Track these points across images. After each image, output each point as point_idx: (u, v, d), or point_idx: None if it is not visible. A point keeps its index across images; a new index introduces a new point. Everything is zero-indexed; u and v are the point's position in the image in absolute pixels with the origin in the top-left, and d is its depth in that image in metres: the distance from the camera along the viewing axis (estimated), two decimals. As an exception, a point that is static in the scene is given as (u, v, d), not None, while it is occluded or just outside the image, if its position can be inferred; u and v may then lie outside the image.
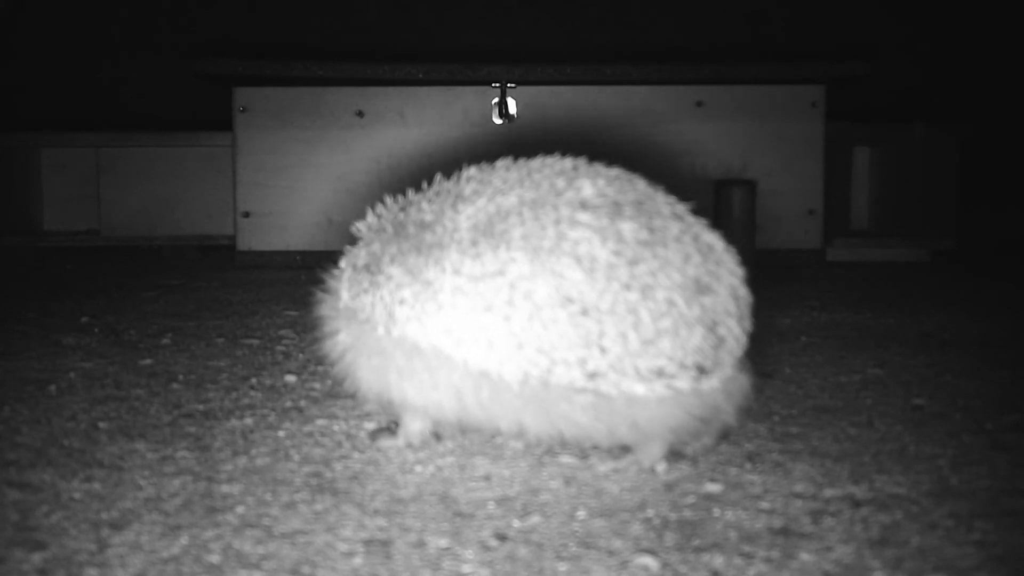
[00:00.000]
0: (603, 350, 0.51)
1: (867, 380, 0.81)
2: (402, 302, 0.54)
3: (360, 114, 1.70)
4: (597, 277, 0.51)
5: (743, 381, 0.56)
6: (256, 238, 1.71)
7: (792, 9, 2.16)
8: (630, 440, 0.56)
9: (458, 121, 1.70)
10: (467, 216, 0.54)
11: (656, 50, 2.14)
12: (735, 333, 0.54)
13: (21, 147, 1.90)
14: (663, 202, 0.55)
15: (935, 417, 0.70)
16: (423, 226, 0.56)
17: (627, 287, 0.51)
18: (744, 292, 0.55)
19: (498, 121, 1.69)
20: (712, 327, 0.53)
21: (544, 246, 0.52)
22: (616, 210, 0.53)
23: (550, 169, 0.56)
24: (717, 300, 0.53)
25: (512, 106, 1.69)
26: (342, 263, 0.61)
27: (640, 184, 0.56)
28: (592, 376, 0.51)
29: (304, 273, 1.58)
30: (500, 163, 0.58)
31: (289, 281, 1.47)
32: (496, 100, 1.69)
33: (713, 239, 0.55)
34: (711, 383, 0.53)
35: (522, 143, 1.59)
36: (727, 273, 0.54)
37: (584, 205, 0.53)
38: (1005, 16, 2.12)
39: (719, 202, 1.57)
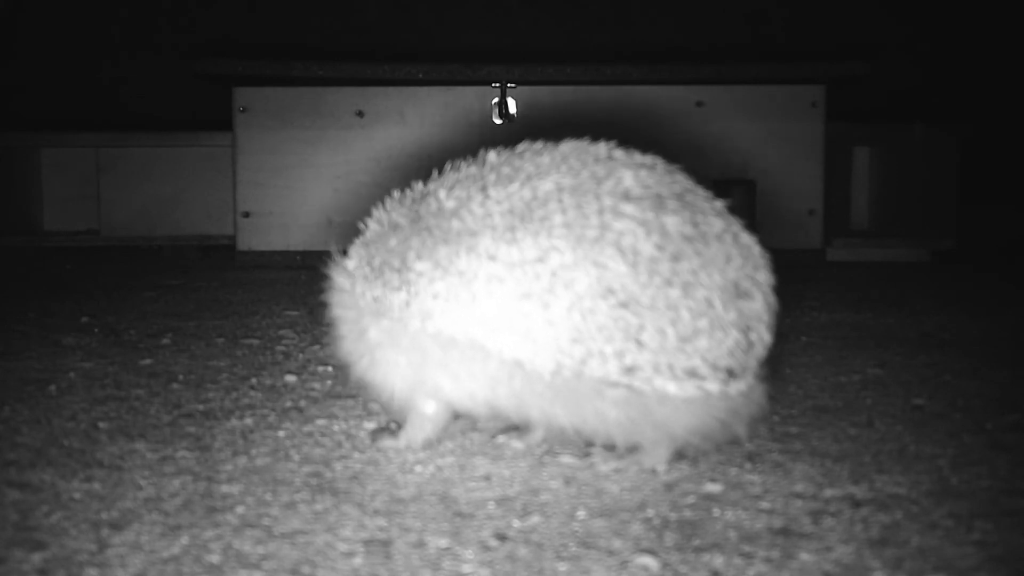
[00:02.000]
0: (640, 345, 0.50)
1: (867, 380, 0.81)
2: (435, 296, 0.54)
3: (360, 114, 1.70)
4: (640, 270, 0.50)
5: (761, 389, 0.56)
6: (256, 238, 1.71)
7: (792, 9, 2.16)
8: (650, 438, 0.55)
9: (458, 121, 1.70)
10: (498, 201, 0.53)
11: (656, 50, 2.14)
12: (764, 340, 0.54)
13: (21, 147, 1.90)
14: (703, 196, 0.54)
15: (935, 417, 0.70)
16: (447, 215, 0.54)
17: (669, 283, 0.50)
18: (773, 299, 0.55)
19: (498, 121, 1.69)
20: (746, 331, 0.52)
21: (588, 235, 0.51)
22: (660, 203, 0.52)
23: (585, 154, 0.54)
24: (753, 305, 0.52)
25: (512, 106, 1.69)
26: (352, 261, 0.60)
27: (679, 176, 0.55)
28: (628, 371, 0.51)
29: (304, 273, 1.58)
30: (522, 147, 0.56)
31: (289, 281, 1.47)
32: (496, 100, 1.69)
33: (751, 241, 0.54)
34: (739, 387, 0.53)
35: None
36: (763, 278, 0.54)
37: (628, 196, 0.52)
38: (1005, 16, 2.12)
39: (719, 202, 1.56)
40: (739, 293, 0.52)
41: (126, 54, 2.16)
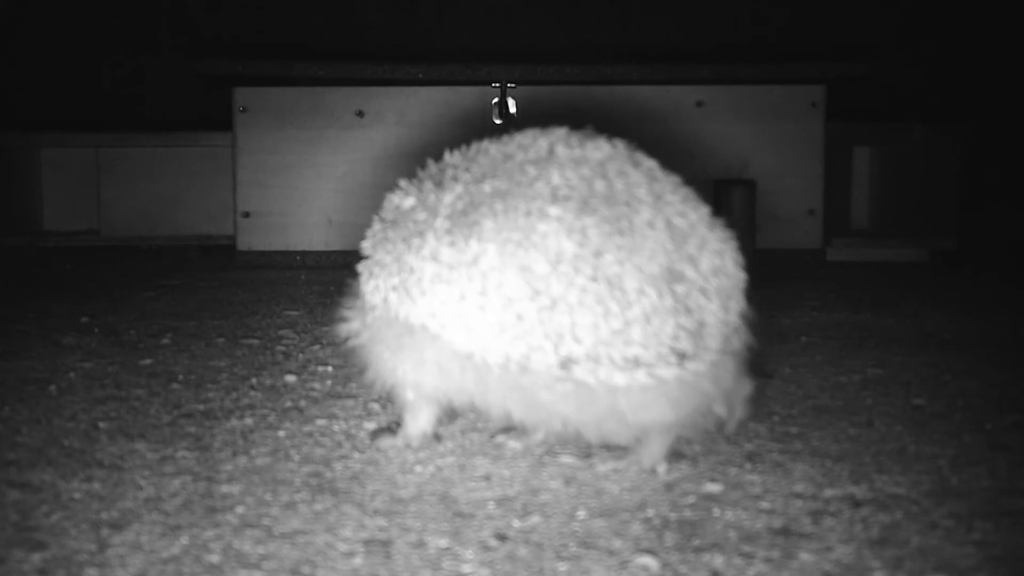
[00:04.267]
0: (576, 339, 0.51)
1: (867, 380, 0.81)
2: (394, 288, 0.56)
3: (360, 114, 1.70)
4: (563, 269, 0.51)
5: (730, 364, 0.55)
6: (256, 238, 1.71)
7: (792, 9, 2.16)
8: (622, 434, 0.55)
9: (458, 121, 1.70)
10: (444, 203, 0.56)
11: (656, 50, 2.14)
12: (720, 317, 0.53)
13: (21, 147, 1.90)
14: (640, 183, 0.54)
15: (935, 417, 0.70)
16: (405, 213, 0.58)
17: (594, 279, 0.51)
18: (732, 269, 0.55)
19: (498, 121, 1.69)
20: (689, 313, 0.52)
21: (513, 238, 0.52)
22: (584, 203, 0.52)
23: (523, 155, 0.56)
24: (692, 285, 0.52)
25: (512, 106, 1.69)
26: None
27: (614, 166, 0.55)
28: (566, 364, 0.52)
29: (304, 273, 1.58)
30: (484, 144, 0.58)
31: (289, 281, 1.47)
32: (496, 100, 1.69)
33: (696, 217, 0.54)
34: (696, 368, 0.53)
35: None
36: (709, 254, 0.54)
37: (554, 197, 0.53)
38: (1005, 16, 2.12)
39: (719, 202, 1.57)
40: (673, 276, 0.52)
41: (126, 54, 2.16)
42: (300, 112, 1.70)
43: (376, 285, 0.57)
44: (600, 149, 0.56)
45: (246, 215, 1.70)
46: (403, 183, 0.60)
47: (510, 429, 0.64)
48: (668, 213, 0.54)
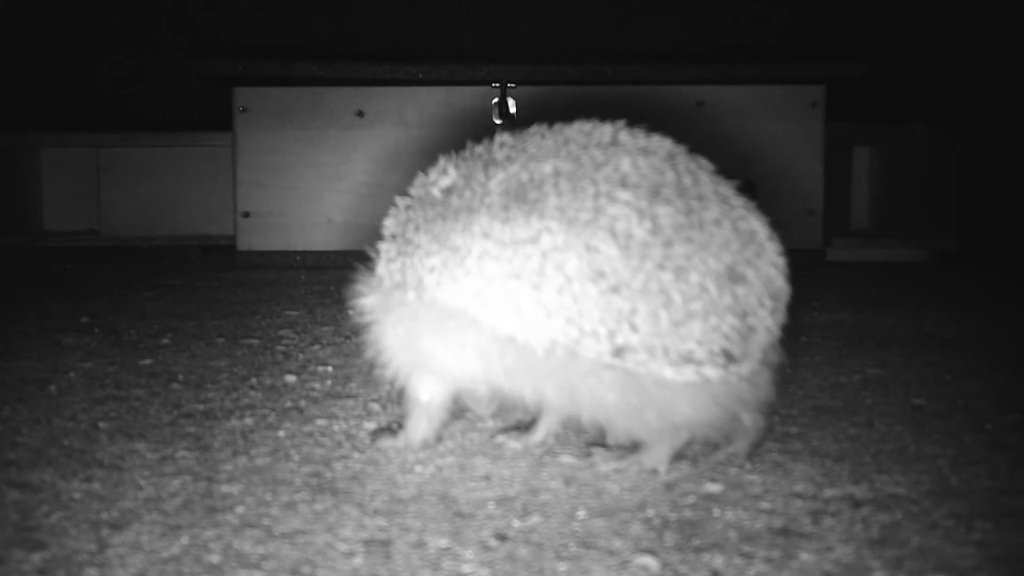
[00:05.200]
0: (633, 328, 0.50)
1: (867, 380, 0.81)
2: (431, 269, 0.54)
3: (360, 114, 1.70)
4: (632, 254, 0.50)
5: (766, 375, 0.55)
6: (256, 238, 1.71)
7: (792, 9, 2.16)
8: (655, 427, 0.54)
9: (458, 121, 1.70)
10: (497, 181, 0.54)
11: (656, 50, 2.14)
12: (767, 325, 0.53)
13: (21, 147, 1.90)
14: (707, 181, 0.54)
15: (935, 417, 0.70)
16: (449, 191, 0.55)
17: (661, 267, 0.50)
18: (782, 284, 0.54)
19: (498, 121, 1.69)
20: (743, 316, 0.52)
21: (581, 218, 0.51)
22: (655, 191, 0.52)
23: (585, 139, 0.55)
24: (751, 290, 0.52)
25: (512, 106, 1.69)
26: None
27: (682, 161, 0.54)
28: (620, 352, 0.51)
29: (304, 273, 1.58)
30: (534, 129, 0.57)
31: (289, 281, 1.47)
32: (496, 100, 1.69)
33: (757, 226, 0.54)
34: (740, 372, 0.53)
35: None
36: (766, 264, 0.53)
37: (624, 183, 0.52)
38: (1005, 16, 2.12)
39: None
40: (734, 277, 0.52)
41: (126, 54, 2.16)
42: (300, 112, 1.70)
43: (403, 265, 0.56)
44: (664, 143, 0.55)
45: (246, 215, 1.70)
46: (441, 161, 0.58)
47: (510, 429, 0.63)
48: (733, 216, 0.53)
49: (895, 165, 1.86)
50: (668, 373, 0.51)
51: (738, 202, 0.54)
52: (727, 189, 0.55)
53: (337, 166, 1.70)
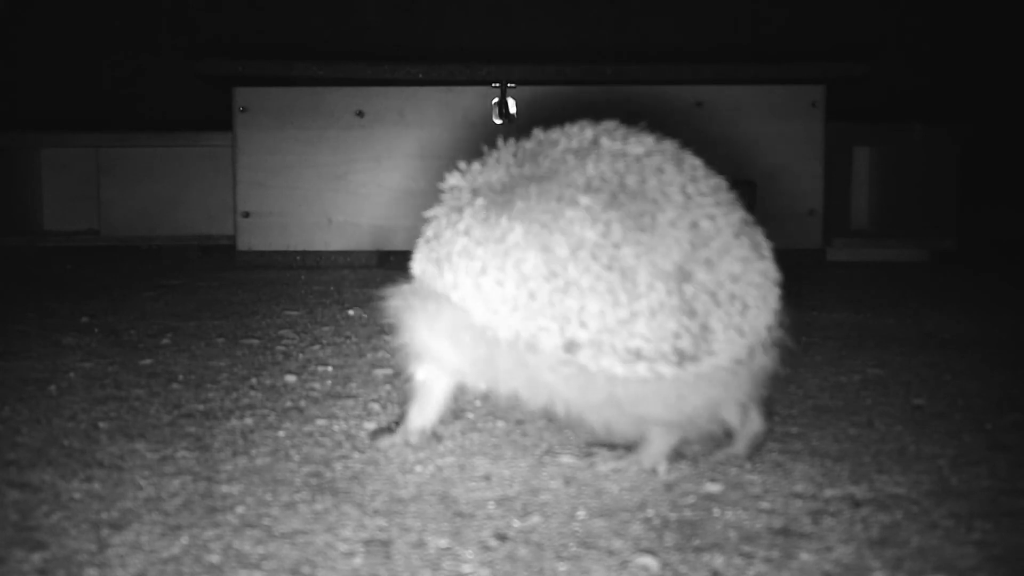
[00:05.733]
0: (583, 324, 0.52)
1: (867, 380, 0.81)
2: (432, 261, 0.58)
3: (360, 114, 1.70)
4: (581, 256, 0.53)
5: (743, 375, 0.55)
6: (256, 238, 1.71)
7: (792, 9, 2.16)
8: (622, 424, 0.56)
9: (458, 121, 1.70)
10: (487, 184, 0.58)
11: (656, 50, 2.14)
12: (729, 323, 0.53)
13: (21, 147, 1.90)
14: (674, 181, 0.55)
15: (935, 417, 0.70)
16: (453, 190, 0.60)
17: (608, 268, 0.52)
18: (759, 281, 0.55)
19: (498, 121, 1.69)
20: (693, 314, 0.52)
21: (541, 220, 0.54)
22: (614, 195, 0.54)
23: (567, 143, 0.57)
24: (701, 288, 0.53)
25: (512, 106, 1.69)
26: None
27: (654, 161, 0.56)
28: (571, 347, 0.53)
29: (304, 273, 1.58)
30: (536, 131, 0.60)
31: (289, 281, 1.47)
32: (496, 100, 1.69)
33: (724, 225, 0.54)
34: (697, 370, 0.53)
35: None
36: (731, 261, 0.54)
37: (587, 187, 0.54)
38: (1005, 16, 2.12)
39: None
40: (684, 277, 0.52)
41: (126, 54, 2.16)
42: (300, 112, 1.70)
43: (418, 256, 0.60)
44: (642, 144, 0.57)
45: (246, 215, 1.70)
46: (460, 163, 0.61)
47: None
48: (697, 215, 0.54)
49: (895, 165, 1.86)
50: (619, 370, 0.53)
51: (708, 200, 0.55)
52: (702, 187, 0.55)
53: (337, 166, 1.70)
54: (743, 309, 0.54)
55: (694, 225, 0.53)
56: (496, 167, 0.58)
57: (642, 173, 0.55)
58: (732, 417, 0.58)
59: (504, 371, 0.56)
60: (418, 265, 0.59)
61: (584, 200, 0.53)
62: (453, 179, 0.60)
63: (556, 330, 0.53)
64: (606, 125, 0.58)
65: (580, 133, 0.58)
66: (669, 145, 0.57)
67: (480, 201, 0.56)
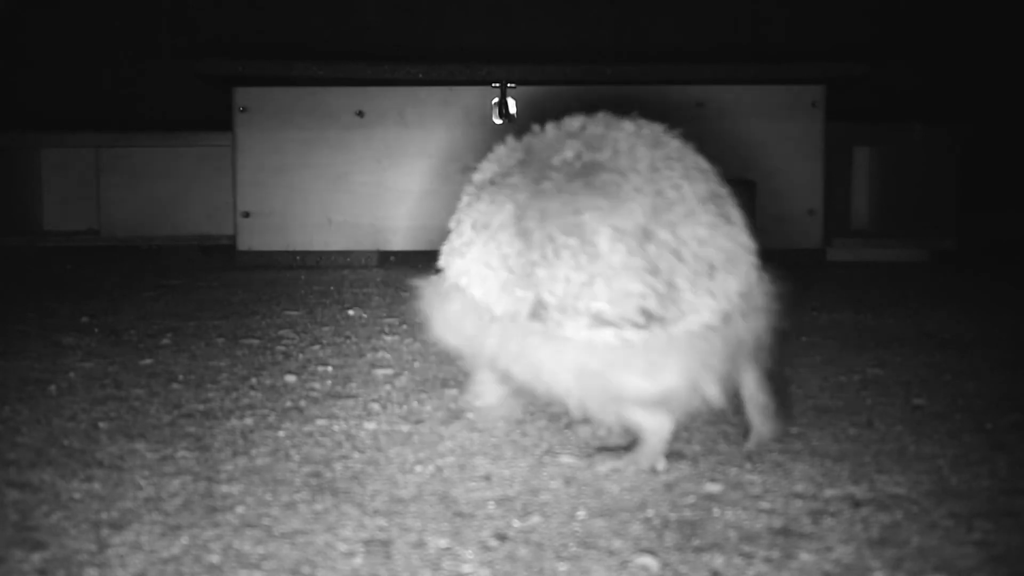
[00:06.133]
0: (551, 292, 0.55)
1: (867, 380, 0.81)
2: (450, 252, 0.62)
3: (360, 114, 1.70)
4: (547, 228, 0.55)
5: (716, 342, 0.55)
6: (256, 238, 1.71)
7: (792, 10, 2.16)
8: (598, 402, 0.56)
9: (458, 121, 1.70)
10: (487, 178, 0.62)
11: (656, 50, 2.14)
12: (697, 284, 0.54)
13: (21, 147, 1.90)
14: (644, 157, 0.57)
15: (935, 417, 0.70)
16: (466, 189, 0.64)
17: (569, 234, 0.54)
18: (728, 246, 0.55)
19: (498, 121, 1.69)
20: (657, 272, 0.53)
21: (518, 201, 0.57)
22: (584, 170, 0.56)
23: (556, 131, 0.60)
24: (664, 246, 0.53)
25: (512, 106, 1.69)
26: None
27: (627, 142, 0.58)
28: (538, 313, 0.55)
29: (304, 273, 1.58)
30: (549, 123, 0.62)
31: (289, 281, 1.47)
32: (496, 100, 1.69)
33: (690, 194, 0.55)
34: (668, 334, 0.53)
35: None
36: (694, 225, 0.54)
37: (562, 166, 0.57)
38: (1005, 16, 2.12)
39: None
40: (646, 236, 0.53)
41: (126, 54, 2.16)
42: (300, 112, 1.70)
43: (443, 251, 0.63)
44: (623, 130, 0.59)
45: (246, 215, 1.70)
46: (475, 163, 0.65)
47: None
48: (662, 185, 0.55)
49: (895, 165, 1.86)
50: (584, 334, 0.54)
51: (674, 172, 0.56)
52: (673, 162, 0.57)
53: (337, 166, 1.70)
54: (710, 270, 0.54)
55: (659, 193, 0.55)
56: (496, 161, 0.62)
57: (616, 150, 0.57)
58: (713, 391, 0.57)
59: (498, 348, 0.58)
60: (443, 259, 0.63)
61: (555, 176, 0.56)
62: (473, 176, 0.64)
63: (530, 299, 0.55)
64: (598, 115, 0.61)
65: (570, 121, 0.61)
66: (650, 129, 0.59)
67: (480, 193, 0.60)
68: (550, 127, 0.61)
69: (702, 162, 0.58)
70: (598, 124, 0.60)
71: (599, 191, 0.55)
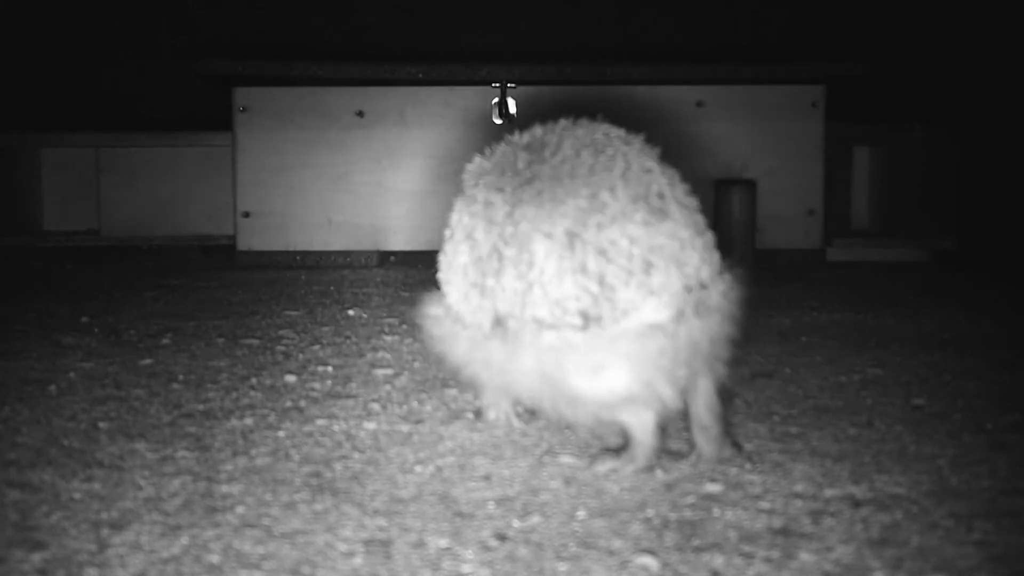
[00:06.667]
0: (503, 300, 0.56)
1: (867, 380, 0.81)
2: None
3: (360, 114, 1.70)
4: (492, 238, 0.57)
5: (664, 340, 0.54)
6: (256, 238, 1.71)
7: (792, 9, 2.16)
8: (561, 406, 0.57)
9: (458, 121, 1.70)
10: (465, 183, 0.63)
11: (656, 50, 2.14)
12: (637, 280, 0.54)
13: (21, 147, 1.90)
14: (585, 163, 0.57)
15: (935, 417, 0.70)
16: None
17: (508, 244, 0.56)
18: (662, 240, 0.55)
19: (498, 121, 1.69)
20: (586, 271, 0.54)
21: (470, 210, 0.59)
22: (526, 179, 0.58)
23: (517, 141, 0.62)
24: (589, 246, 0.54)
25: (512, 106, 1.69)
26: None
27: (573, 148, 0.58)
28: (496, 323, 0.56)
29: (304, 273, 1.58)
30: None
31: (289, 281, 1.47)
32: (496, 100, 1.69)
33: (624, 196, 0.55)
34: (609, 334, 0.54)
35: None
36: (624, 223, 0.55)
37: (512, 175, 0.59)
38: (1005, 16, 2.12)
39: (719, 202, 1.57)
40: (573, 238, 0.55)
41: (126, 54, 2.16)
42: (300, 112, 1.70)
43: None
44: (574, 136, 0.60)
45: (246, 215, 1.70)
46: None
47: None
48: (597, 188, 0.56)
49: (895, 165, 1.86)
50: (529, 338, 0.55)
51: (612, 175, 0.56)
52: (616, 163, 0.57)
53: (337, 166, 1.71)
54: (647, 267, 0.54)
55: (593, 196, 0.56)
56: (474, 171, 0.63)
57: (563, 158, 0.59)
58: (667, 391, 0.56)
59: (470, 356, 0.59)
60: (440, 277, 0.64)
61: (508, 187, 0.58)
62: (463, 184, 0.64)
63: (488, 308, 0.57)
64: (558, 122, 0.62)
65: (531, 131, 0.62)
66: (605, 133, 0.60)
67: (455, 203, 0.62)
68: (515, 136, 0.62)
69: (649, 163, 0.58)
70: (553, 132, 0.61)
71: (534, 199, 0.57)
